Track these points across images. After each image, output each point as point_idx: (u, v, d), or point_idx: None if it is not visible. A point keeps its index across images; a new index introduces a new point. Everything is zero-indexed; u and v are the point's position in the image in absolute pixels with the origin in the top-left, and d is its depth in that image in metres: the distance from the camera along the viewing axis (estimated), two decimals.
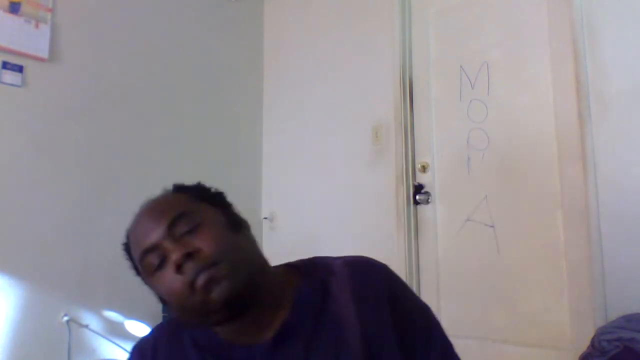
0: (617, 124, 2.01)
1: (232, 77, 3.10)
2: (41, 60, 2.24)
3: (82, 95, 2.39)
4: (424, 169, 2.56)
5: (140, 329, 2.47)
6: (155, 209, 0.80)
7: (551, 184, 2.18)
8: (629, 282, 1.92)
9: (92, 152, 2.40)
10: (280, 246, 3.02)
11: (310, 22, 3.10)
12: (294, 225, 2.97)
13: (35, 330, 2.12)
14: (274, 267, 0.84)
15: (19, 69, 2.17)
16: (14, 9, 2.17)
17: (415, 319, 0.82)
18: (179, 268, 0.72)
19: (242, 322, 0.77)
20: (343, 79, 2.88)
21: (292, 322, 0.77)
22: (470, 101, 2.47)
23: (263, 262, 0.82)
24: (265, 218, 3.11)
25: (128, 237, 0.82)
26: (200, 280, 0.71)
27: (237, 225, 0.81)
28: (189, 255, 0.72)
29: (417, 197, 2.54)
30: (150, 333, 0.88)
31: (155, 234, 0.76)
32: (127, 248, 0.83)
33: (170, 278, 0.74)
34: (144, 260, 0.77)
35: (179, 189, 0.85)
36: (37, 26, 2.23)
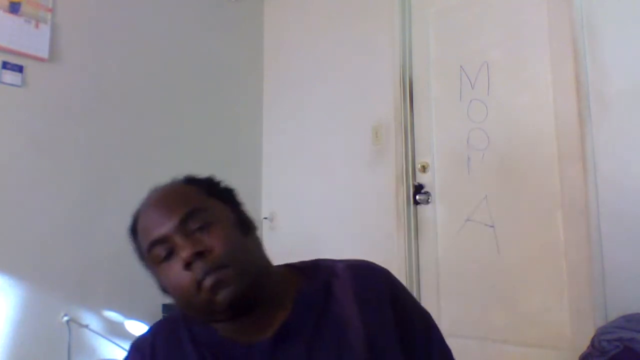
0: (617, 124, 2.01)
1: (232, 77, 3.10)
2: (41, 60, 2.24)
3: (82, 95, 2.39)
4: (424, 169, 2.56)
5: (140, 329, 2.47)
6: (167, 200, 0.80)
7: (551, 184, 2.18)
8: (629, 282, 1.92)
9: (92, 152, 2.40)
10: (280, 246, 3.01)
11: (310, 22, 3.10)
12: (294, 225, 2.97)
13: (35, 330, 2.12)
14: (275, 266, 0.85)
15: (19, 69, 2.17)
16: (14, 9, 2.17)
17: (415, 321, 0.82)
18: (188, 265, 0.72)
19: (243, 321, 0.77)
20: (343, 79, 2.88)
21: (293, 321, 0.78)
22: (470, 101, 2.47)
23: (267, 263, 0.83)
24: (265, 218, 3.11)
25: (135, 221, 0.82)
26: (208, 281, 0.72)
27: (246, 226, 0.81)
28: (199, 254, 0.72)
29: (417, 197, 2.54)
30: (148, 331, 0.87)
31: (166, 226, 0.75)
32: (134, 231, 0.83)
33: (177, 273, 0.74)
34: (152, 251, 0.76)
35: (191, 181, 0.84)
36: (37, 26, 2.23)
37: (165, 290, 0.80)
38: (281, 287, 0.81)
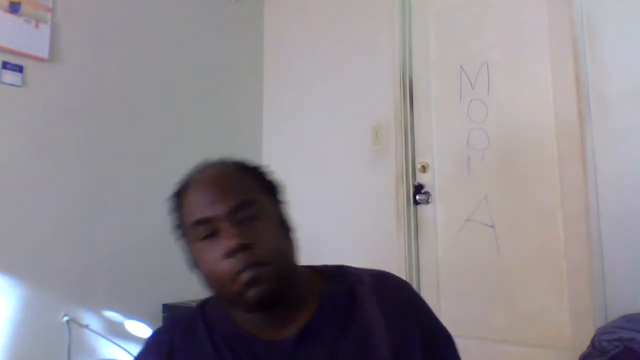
0: (617, 124, 2.01)
1: (232, 77, 3.10)
2: (41, 60, 2.24)
3: (82, 95, 2.39)
4: (424, 169, 2.56)
5: (140, 329, 2.47)
6: (222, 183, 0.79)
7: (551, 184, 2.18)
8: (629, 282, 1.92)
9: (92, 152, 2.40)
10: None
11: (310, 22, 3.10)
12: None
13: (35, 330, 2.12)
14: (299, 266, 0.85)
15: (19, 69, 2.17)
16: (14, 9, 2.17)
17: (438, 333, 0.85)
18: (229, 254, 0.73)
19: (265, 317, 0.78)
20: (343, 79, 2.88)
21: (317, 322, 0.79)
22: (470, 101, 2.47)
23: (297, 264, 0.83)
24: None
25: (183, 190, 0.82)
26: (246, 275, 0.72)
27: (287, 226, 0.82)
28: (243, 246, 0.73)
29: (417, 197, 2.54)
30: (166, 326, 0.87)
31: (216, 209, 0.75)
32: (177, 198, 0.83)
33: (216, 257, 0.74)
34: (195, 228, 0.77)
35: (246, 169, 0.84)
36: (37, 26, 2.23)
37: (194, 265, 0.81)
38: (305, 288, 0.82)
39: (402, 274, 2.47)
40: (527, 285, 2.21)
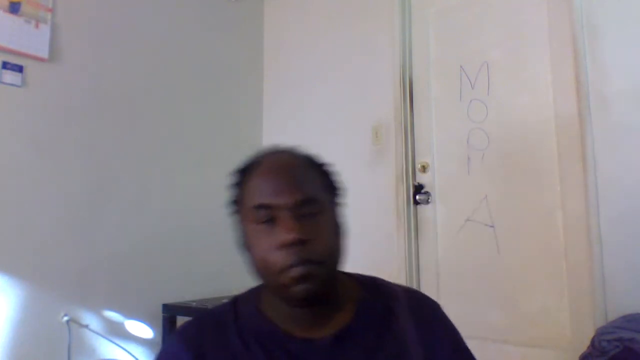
0: (617, 124, 2.01)
1: (232, 77, 3.10)
2: (41, 60, 2.24)
3: (82, 95, 2.39)
4: (424, 169, 2.56)
5: (140, 329, 2.47)
6: (292, 174, 0.79)
7: (551, 184, 2.18)
8: (629, 282, 1.92)
9: (92, 152, 2.40)
10: None
11: (310, 22, 3.10)
12: None
13: (35, 330, 2.12)
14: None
15: (19, 69, 2.17)
16: (14, 9, 2.17)
17: (464, 350, 0.88)
18: (285, 246, 0.73)
19: (304, 313, 0.78)
20: (343, 79, 2.88)
21: (355, 327, 0.79)
22: (470, 101, 2.47)
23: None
24: None
25: (250, 168, 0.82)
26: (297, 270, 0.72)
27: (342, 229, 0.83)
28: (299, 241, 0.73)
29: (417, 197, 2.54)
30: (195, 320, 0.85)
31: (282, 199, 0.75)
32: (242, 175, 0.83)
33: (270, 245, 0.74)
34: (255, 211, 0.77)
35: (316, 164, 0.84)
36: (37, 26, 2.23)
37: (243, 246, 0.81)
38: (343, 292, 0.83)
39: (402, 274, 2.48)
40: (527, 285, 2.21)
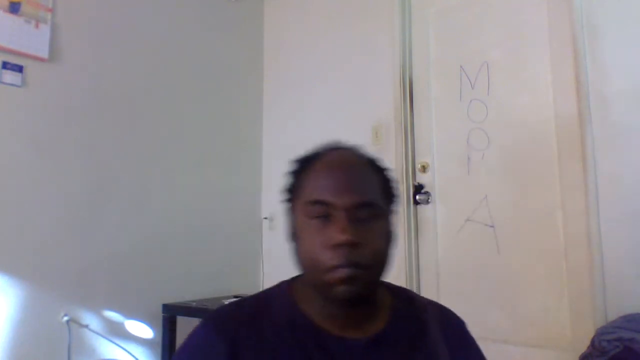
0: (617, 124, 2.01)
1: (232, 77, 3.10)
2: (41, 60, 2.24)
3: (82, 95, 2.39)
4: (424, 169, 2.56)
5: (140, 329, 2.47)
6: (354, 175, 0.79)
7: (551, 184, 2.18)
8: (629, 282, 1.92)
9: (92, 152, 2.40)
10: (280, 246, 3.01)
11: (310, 22, 3.10)
12: None
13: (35, 330, 2.12)
14: None
15: (19, 69, 2.17)
16: (14, 9, 2.17)
17: None
18: (335, 246, 0.73)
19: (341, 313, 0.78)
20: (343, 79, 2.88)
21: (390, 333, 0.80)
22: (470, 101, 2.47)
23: None
24: (265, 218, 3.11)
25: (311, 161, 0.82)
26: (344, 272, 0.72)
27: (392, 236, 0.82)
28: (351, 244, 0.72)
29: (417, 197, 2.54)
30: (226, 308, 0.84)
31: (340, 198, 0.75)
32: (303, 166, 0.83)
33: (320, 242, 0.74)
34: (311, 205, 0.77)
35: (379, 169, 0.84)
36: (37, 26, 2.23)
37: (292, 237, 0.81)
38: (379, 298, 0.84)
39: (402, 274, 2.48)
40: (527, 285, 2.21)
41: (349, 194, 0.75)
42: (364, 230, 0.74)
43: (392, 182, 0.84)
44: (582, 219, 2.05)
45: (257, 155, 3.19)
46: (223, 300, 2.33)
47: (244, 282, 2.92)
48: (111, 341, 2.35)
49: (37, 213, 2.19)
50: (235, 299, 0.88)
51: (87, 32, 2.43)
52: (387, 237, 0.80)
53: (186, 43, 2.87)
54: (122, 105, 2.55)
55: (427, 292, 2.46)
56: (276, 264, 2.99)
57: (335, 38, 2.94)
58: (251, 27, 3.28)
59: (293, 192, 0.82)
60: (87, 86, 2.41)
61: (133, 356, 2.40)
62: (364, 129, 2.74)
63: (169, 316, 2.47)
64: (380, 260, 0.77)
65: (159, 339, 2.48)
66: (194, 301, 2.54)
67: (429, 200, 2.53)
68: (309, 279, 0.79)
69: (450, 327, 0.88)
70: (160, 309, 2.50)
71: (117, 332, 2.39)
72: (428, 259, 2.52)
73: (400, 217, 2.55)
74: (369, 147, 2.93)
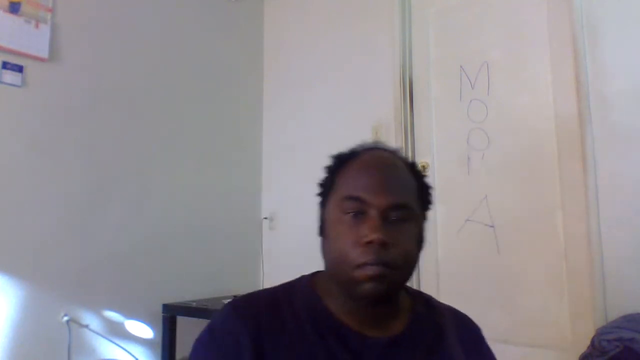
0: (617, 124, 2.01)
1: (232, 77, 3.10)
2: (41, 60, 2.24)
3: (82, 95, 2.39)
4: (424, 169, 2.56)
5: (140, 329, 2.47)
6: (392, 176, 0.80)
7: (551, 184, 2.18)
8: (629, 282, 1.92)
9: (92, 152, 2.40)
10: (280, 246, 3.02)
11: (310, 22, 3.10)
12: (294, 225, 2.97)
13: (35, 330, 2.12)
14: None
15: (19, 69, 2.17)
16: (14, 9, 2.17)
17: None
18: (367, 244, 0.73)
19: (364, 311, 0.79)
20: (343, 79, 2.88)
21: (409, 335, 0.81)
22: (470, 101, 2.47)
23: None
24: (265, 218, 3.11)
25: (350, 158, 0.83)
26: (372, 269, 0.73)
27: (422, 240, 0.83)
28: (382, 243, 0.73)
29: None
30: (247, 297, 0.83)
31: (376, 198, 0.76)
32: (341, 162, 0.83)
33: (352, 238, 0.75)
34: (346, 201, 0.77)
35: (416, 172, 0.85)
36: (37, 26, 2.23)
37: (322, 231, 0.82)
38: (400, 300, 0.85)
39: None
40: (527, 285, 2.21)
41: (384, 193, 0.76)
42: (396, 231, 0.75)
43: (429, 188, 0.86)
44: (582, 219, 2.05)
45: (257, 155, 3.19)
46: (223, 300, 2.33)
47: (244, 282, 2.92)
48: (111, 341, 2.35)
49: (37, 213, 2.19)
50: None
51: (87, 32, 2.43)
52: (417, 241, 0.81)
53: (186, 43, 2.87)
54: (122, 105, 2.55)
55: (427, 292, 2.44)
56: (276, 264, 2.99)
57: (335, 38, 2.94)
58: (251, 27, 3.28)
59: (328, 188, 0.83)
60: (87, 86, 2.41)
61: (133, 356, 2.40)
62: (364, 129, 2.73)
63: (169, 316, 2.47)
64: (409, 262, 0.78)
65: (159, 339, 2.48)
66: (194, 301, 2.54)
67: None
68: (335, 274, 0.79)
69: (467, 332, 0.89)
70: (160, 309, 2.50)
71: (117, 332, 2.39)
72: (428, 259, 2.52)
73: None
74: None
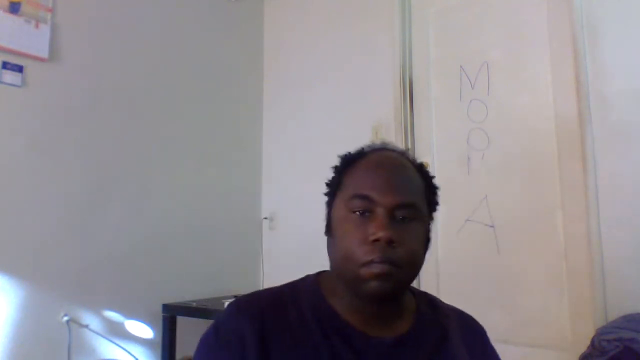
0: (617, 124, 2.01)
1: (232, 77, 3.10)
2: (41, 60, 2.24)
3: (82, 95, 2.39)
4: None
5: (140, 329, 2.47)
6: (400, 176, 0.80)
7: (551, 184, 2.18)
8: (629, 282, 1.92)
9: (92, 152, 2.40)
10: (280, 246, 3.02)
11: (310, 22, 3.10)
12: (294, 225, 2.97)
13: (35, 330, 2.12)
14: None
15: (19, 69, 2.17)
16: (14, 9, 2.17)
17: None
18: (373, 242, 0.74)
19: (368, 310, 0.79)
20: (343, 79, 2.88)
21: (414, 336, 0.81)
22: (470, 101, 2.47)
23: None
24: (265, 218, 3.11)
25: (358, 158, 0.83)
26: (378, 267, 0.73)
27: (428, 241, 0.84)
28: (389, 241, 0.74)
29: None
30: (251, 296, 0.84)
31: (384, 197, 0.76)
32: (350, 161, 0.84)
33: (358, 237, 0.75)
34: (354, 200, 0.78)
35: (424, 173, 0.86)
36: (37, 26, 2.23)
37: (328, 228, 0.83)
38: (405, 300, 0.85)
39: None
40: (527, 285, 2.21)
41: (392, 193, 0.77)
42: (403, 230, 0.76)
43: (436, 188, 0.87)
44: (582, 219, 2.05)
45: (257, 155, 3.19)
46: (223, 300, 2.33)
47: (244, 282, 2.92)
48: (111, 341, 2.35)
49: (37, 213, 2.19)
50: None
51: (87, 32, 2.43)
52: (423, 241, 0.81)
53: (186, 43, 2.87)
54: (122, 105, 2.55)
55: (427, 292, 2.45)
56: (276, 264, 2.99)
57: (335, 38, 2.94)
58: (251, 27, 3.28)
59: (335, 187, 0.84)
60: (87, 86, 2.41)
61: (133, 356, 2.40)
62: (364, 129, 2.73)
63: (169, 316, 2.47)
64: (414, 262, 0.78)
65: (159, 339, 2.48)
66: (194, 301, 2.54)
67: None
68: (341, 272, 0.79)
69: (472, 334, 0.89)
70: (160, 309, 2.50)
71: (117, 332, 2.39)
72: (428, 258, 2.50)
73: None
74: None
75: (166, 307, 2.50)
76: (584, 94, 2.08)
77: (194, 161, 2.83)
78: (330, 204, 0.84)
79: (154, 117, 2.67)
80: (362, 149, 0.86)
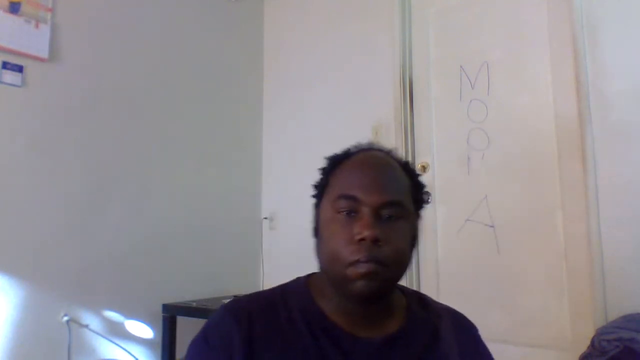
0: (617, 124, 2.01)
1: (232, 77, 3.10)
2: (41, 60, 2.24)
3: (82, 95, 2.39)
4: (424, 169, 2.56)
5: (140, 329, 2.47)
6: (385, 175, 0.80)
7: (551, 184, 2.18)
8: (629, 282, 1.92)
9: (92, 152, 2.40)
10: (280, 246, 3.02)
11: (310, 22, 3.10)
12: (294, 225, 2.96)
13: (35, 330, 2.12)
14: None
15: (19, 69, 2.17)
16: (14, 9, 2.17)
17: None
18: (359, 241, 0.74)
19: (356, 310, 0.79)
20: (343, 79, 2.88)
21: (405, 335, 0.80)
22: (470, 101, 2.47)
23: None
24: (265, 218, 3.11)
25: (344, 159, 0.84)
26: (364, 267, 0.73)
27: (415, 239, 0.83)
28: (375, 240, 0.73)
29: None
30: (243, 299, 0.84)
31: (369, 196, 0.76)
32: (335, 163, 0.84)
33: (344, 236, 0.75)
34: (340, 201, 0.78)
35: (410, 171, 0.85)
36: (37, 26, 2.23)
37: (315, 230, 0.82)
38: (394, 299, 0.84)
39: None
40: (527, 285, 2.21)
41: (378, 192, 0.77)
42: (389, 229, 0.75)
43: (422, 187, 0.86)
44: (582, 219, 2.05)
45: (257, 155, 3.19)
46: (223, 300, 2.33)
47: (244, 282, 2.92)
48: (111, 341, 2.35)
49: (37, 213, 2.19)
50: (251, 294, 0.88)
51: (87, 32, 2.43)
52: (409, 239, 0.80)
53: (186, 43, 2.87)
54: (122, 105, 2.55)
55: (427, 292, 2.44)
56: (276, 264, 2.99)
57: (335, 38, 2.94)
58: (251, 27, 3.28)
59: (322, 189, 0.84)
60: (87, 86, 2.41)
61: (133, 356, 2.40)
62: (364, 129, 2.73)
63: (169, 316, 2.47)
64: (401, 260, 0.78)
65: (159, 339, 2.48)
66: (194, 301, 2.54)
67: (429, 200, 2.53)
68: (328, 273, 0.79)
69: (463, 332, 0.88)
70: (160, 309, 2.50)
71: (117, 332, 2.39)
72: (428, 259, 2.52)
73: None
74: None
75: (166, 307, 2.50)
76: (584, 94, 2.08)
77: (194, 161, 2.83)
78: (317, 206, 0.84)
79: (154, 117, 2.67)
80: (348, 149, 0.86)
